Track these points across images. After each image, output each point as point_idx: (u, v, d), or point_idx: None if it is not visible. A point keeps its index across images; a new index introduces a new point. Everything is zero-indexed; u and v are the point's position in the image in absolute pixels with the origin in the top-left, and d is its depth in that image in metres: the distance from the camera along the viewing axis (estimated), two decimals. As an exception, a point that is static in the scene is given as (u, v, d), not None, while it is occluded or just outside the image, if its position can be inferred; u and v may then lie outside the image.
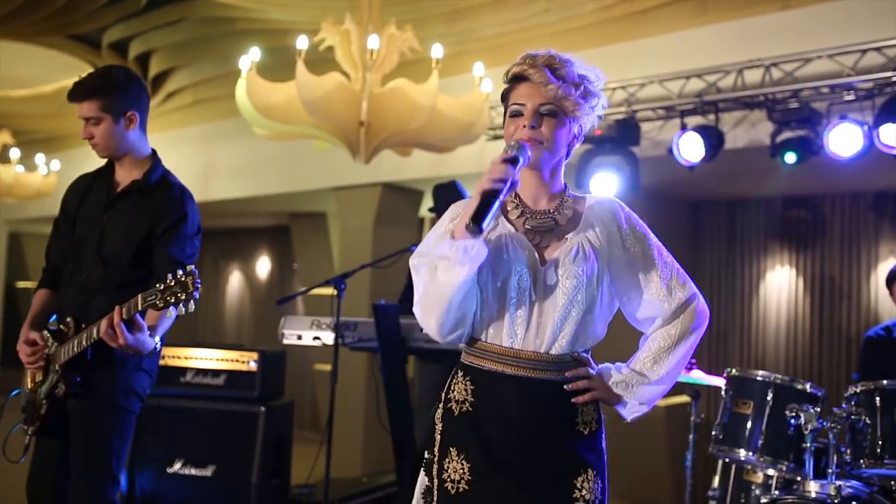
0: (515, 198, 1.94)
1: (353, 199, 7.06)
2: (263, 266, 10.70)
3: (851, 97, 4.57)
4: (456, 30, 5.86)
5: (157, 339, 2.65)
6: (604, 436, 1.93)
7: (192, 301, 2.40)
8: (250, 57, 4.46)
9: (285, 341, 4.25)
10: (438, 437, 1.91)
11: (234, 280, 10.93)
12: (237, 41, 6.33)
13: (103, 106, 2.78)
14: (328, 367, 4.07)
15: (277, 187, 7.75)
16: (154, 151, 2.95)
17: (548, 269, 1.86)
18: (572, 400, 1.88)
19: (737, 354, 6.79)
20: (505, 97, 1.94)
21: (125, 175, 2.89)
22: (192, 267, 2.42)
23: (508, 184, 1.77)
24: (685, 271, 1.98)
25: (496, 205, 1.75)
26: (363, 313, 6.10)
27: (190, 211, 2.84)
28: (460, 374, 1.92)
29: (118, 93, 2.80)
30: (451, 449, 1.86)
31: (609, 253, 1.91)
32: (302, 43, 4.32)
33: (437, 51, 4.43)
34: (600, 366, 1.94)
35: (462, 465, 1.83)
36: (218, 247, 10.96)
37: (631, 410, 1.93)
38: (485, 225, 1.73)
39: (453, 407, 1.90)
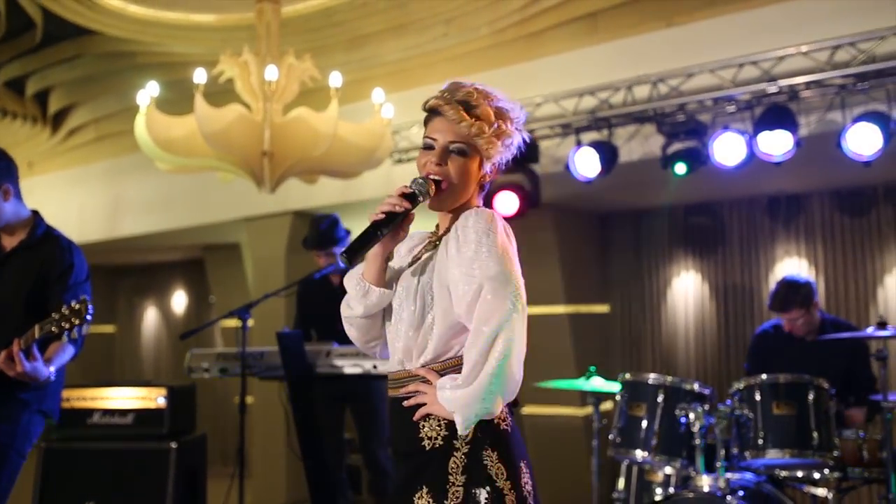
0: (436, 228, 1.99)
1: (264, 229, 7.04)
2: (179, 300, 10.51)
3: (733, 108, 4.81)
4: (357, 57, 5.94)
5: (53, 368, 2.84)
6: (459, 453, 1.81)
7: (84, 326, 2.66)
8: (148, 92, 4.45)
9: (193, 375, 4.23)
10: None
11: (150, 316, 10.70)
12: (138, 75, 6.26)
13: None
14: (250, 400, 4.08)
15: (188, 220, 7.66)
16: (34, 212, 3.15)
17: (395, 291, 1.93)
18: (413, 417, 1.84)
19: (649, 361, 6.97)
20: (425, 124, 1.94)
21: (10, 239, 3.09)
22: (86, 297, 2.70)
23: (402, 217, 1.82)
24: (507, 273, 1.75)
25: (381, 234, 1.82)
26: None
27: (77, 260, 3.07)
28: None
29: None
30: None
31: (441, 262, 1.84)
32: (199, 76, 4.33)
33: (335, 79, 4.49)
34: (440, 379, 1.82)
35: None
36: (131, 284, 10.70)
37: (458, 422, 1.76)
38: (355, 261, 1.81)
39: None
